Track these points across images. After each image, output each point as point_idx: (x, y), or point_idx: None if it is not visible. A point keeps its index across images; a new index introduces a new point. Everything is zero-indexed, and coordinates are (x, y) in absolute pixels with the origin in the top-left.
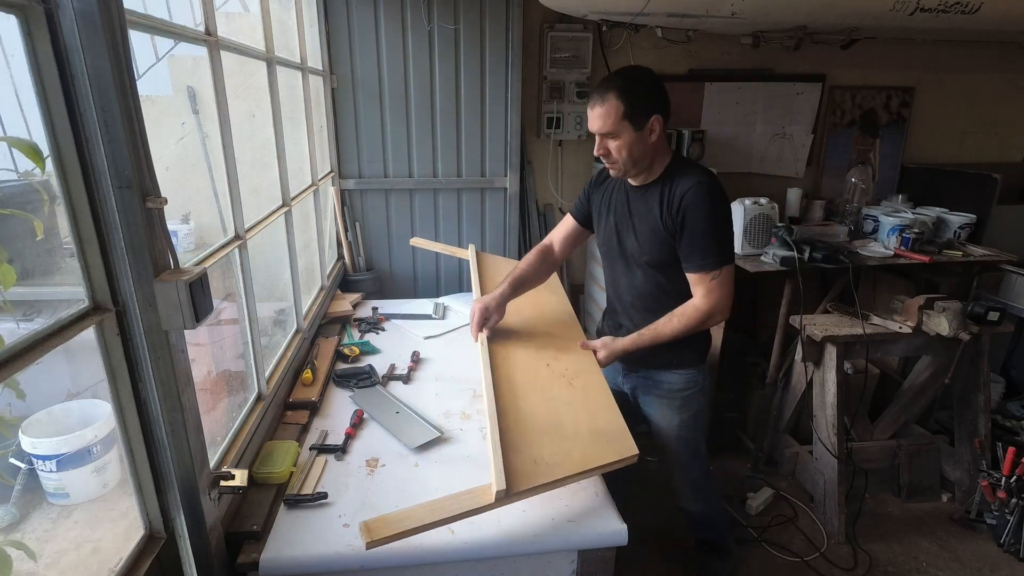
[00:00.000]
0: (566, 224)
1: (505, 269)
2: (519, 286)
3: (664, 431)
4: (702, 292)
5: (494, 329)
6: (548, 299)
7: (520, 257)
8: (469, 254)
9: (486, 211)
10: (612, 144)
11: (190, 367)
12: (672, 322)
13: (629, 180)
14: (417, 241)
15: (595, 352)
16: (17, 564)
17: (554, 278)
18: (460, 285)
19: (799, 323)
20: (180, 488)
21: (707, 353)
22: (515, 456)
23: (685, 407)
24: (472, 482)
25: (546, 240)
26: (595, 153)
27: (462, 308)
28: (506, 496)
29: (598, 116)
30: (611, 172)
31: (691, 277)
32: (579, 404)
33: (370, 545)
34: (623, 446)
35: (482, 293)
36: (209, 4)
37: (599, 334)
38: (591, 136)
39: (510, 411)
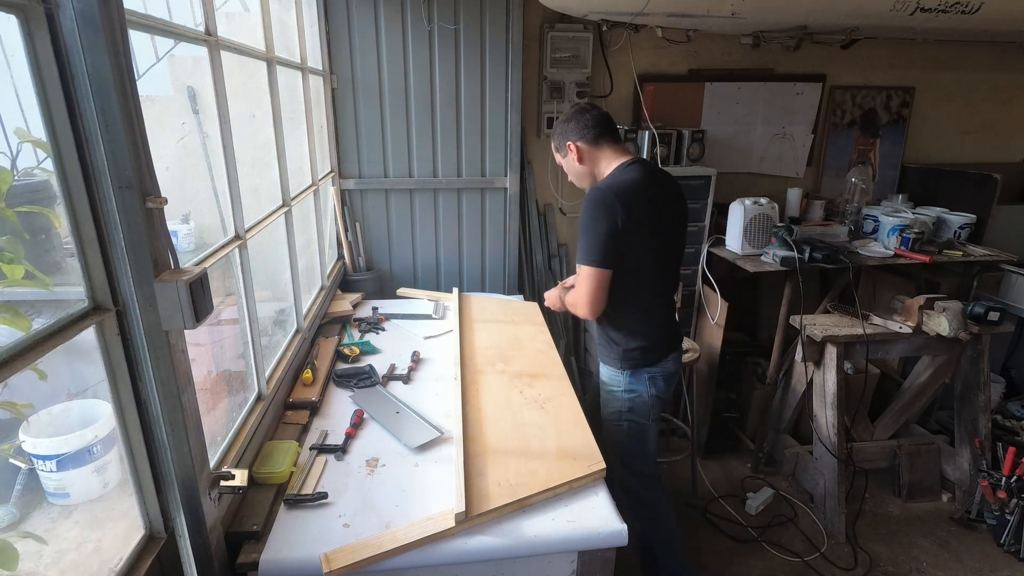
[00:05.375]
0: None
1: (489, 307)
2: None
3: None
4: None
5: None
6: (527, 331)
7: (519, 257)
8: (452, 297)
9: (486, 211)
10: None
11: (190, 367)
12: (569, 296)
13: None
14: (404, 291)
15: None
16: (30, 552)
17: (535, 309)
18: (461, 286)
19: (799, 323)
20: (180, 488)
21: (625, 359)
22: (480, 480)
23: (606, 404)
24: None
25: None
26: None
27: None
28: (466, 519)
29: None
30: None
31: None
32: (549, 426)
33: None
34: (591, 461)
35: (462, 335)
36: (209, 4)
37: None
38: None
39: (478, 439)
